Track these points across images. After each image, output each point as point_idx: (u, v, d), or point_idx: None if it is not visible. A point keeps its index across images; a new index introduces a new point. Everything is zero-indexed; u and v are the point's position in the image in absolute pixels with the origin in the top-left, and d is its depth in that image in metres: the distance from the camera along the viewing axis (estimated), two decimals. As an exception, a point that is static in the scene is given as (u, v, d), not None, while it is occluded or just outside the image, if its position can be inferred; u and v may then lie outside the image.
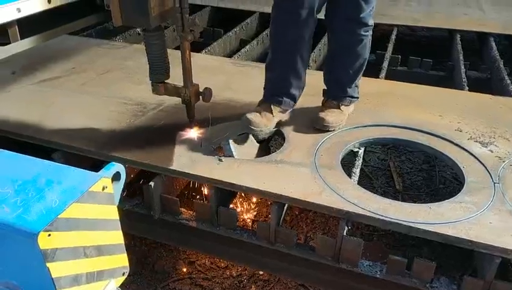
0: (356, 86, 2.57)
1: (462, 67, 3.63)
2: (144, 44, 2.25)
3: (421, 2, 5.28)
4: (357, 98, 2.60)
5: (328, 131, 2.46)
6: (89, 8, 2.81)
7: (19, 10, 2.28)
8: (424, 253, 2.69)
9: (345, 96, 2.53)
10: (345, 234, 1.96)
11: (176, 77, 2.32)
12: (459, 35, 4.29)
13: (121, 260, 1.43)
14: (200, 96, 2.31)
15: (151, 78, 2.31)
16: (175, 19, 2.08)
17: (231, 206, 2.63)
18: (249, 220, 3.02)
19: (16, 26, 2.38)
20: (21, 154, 1.38)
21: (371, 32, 2.40)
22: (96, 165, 1.41)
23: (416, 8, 5.09)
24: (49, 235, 1.10)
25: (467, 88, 3.26)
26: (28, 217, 1.11)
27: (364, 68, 2.52)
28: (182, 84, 2.28)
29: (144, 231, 2.48)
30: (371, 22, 2.35)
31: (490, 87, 3.67)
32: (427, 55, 4.03)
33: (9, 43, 2.41)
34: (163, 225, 2.34)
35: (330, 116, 2.47)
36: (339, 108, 2.53)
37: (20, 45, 2.46)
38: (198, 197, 2.78)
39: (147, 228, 2.42)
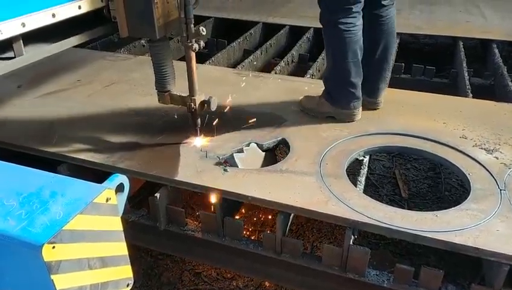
0: (330, 94, 2.63)
1: (466, 74, 3.62)
2: (150, 54, 2.27)
3: (423, 10, 5.29)
4: (331, 104, 2.63)
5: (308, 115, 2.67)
6: (95, 20, 2.82)
7: (23, 25, 2.29)
8: (432, 261, 2.67)
9: (325, 89, 2.69)
10: (351, 243, 1.95)
11: (181, 88, 2.33)
12: (462, 43, 4.29)
13: (125, 272, 1.42)
14: (205, 105, 2.32)
15: (157, 87, 2.33)
16: (180, 30, 2.10)
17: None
18: (254, 229, 3.01)
19: (21, 40, 2.39)
20: (25, 167, 1.39)
21: (335, 31, 2.44)
22: (102, 177, 1.41)
23: (419, 16, 5.09)
24: (54, 247, 1.10)
25: (471, 95, 3.25)
26: (32, 230, 1.12)
27: (340, 76, 2.55)
28: (187, 93, 2.29)
29: (150, 242, 2.48)
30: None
31: (494, 93, 3.66)
32: (430, 63, 4.02)
33: (15, 57, 2.42)
34: (169, 236, 2.35)
35: (305, 98, 2.78)
36: (319, 96, 2.71)
37: (25, 59, 2.48)
38: (204, 207, 2.78)
39: (153, 239, 2.42)
